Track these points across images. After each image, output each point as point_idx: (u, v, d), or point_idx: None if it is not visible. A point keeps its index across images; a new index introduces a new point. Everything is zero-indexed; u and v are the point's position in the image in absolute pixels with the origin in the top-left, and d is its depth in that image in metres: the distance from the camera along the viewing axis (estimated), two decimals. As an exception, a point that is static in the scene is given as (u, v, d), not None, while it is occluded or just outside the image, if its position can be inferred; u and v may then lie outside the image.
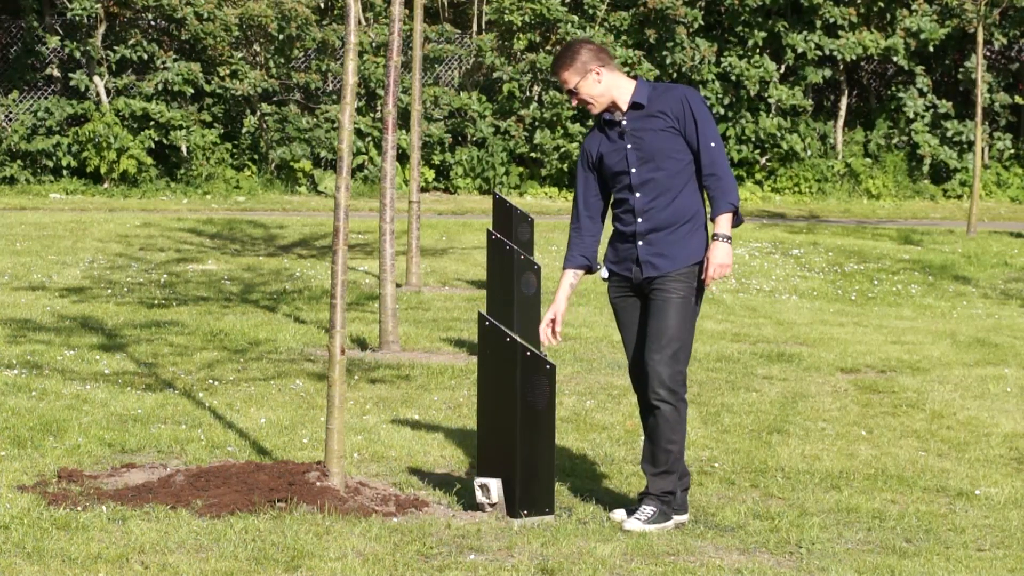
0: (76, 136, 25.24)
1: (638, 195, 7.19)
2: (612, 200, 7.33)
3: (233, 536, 6.68)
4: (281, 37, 25.69)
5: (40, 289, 14.38)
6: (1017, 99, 27.46)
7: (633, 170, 7.20)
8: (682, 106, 7.18)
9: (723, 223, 7.13)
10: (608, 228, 7.37)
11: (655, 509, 7.13)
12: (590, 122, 26.39)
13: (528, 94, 26.79)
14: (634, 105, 7.23)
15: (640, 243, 7.19)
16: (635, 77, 7.39)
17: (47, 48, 26.00)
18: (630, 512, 7.26)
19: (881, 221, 24.17)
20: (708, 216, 7.25)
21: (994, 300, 16.27)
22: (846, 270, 17.99)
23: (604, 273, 7.37)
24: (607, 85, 7.23)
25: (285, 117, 25.99)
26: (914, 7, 26.98)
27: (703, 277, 7.16)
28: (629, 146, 7.22)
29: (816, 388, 10.78)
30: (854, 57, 26.91)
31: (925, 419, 9.87)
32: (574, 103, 7.32)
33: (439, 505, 7.40)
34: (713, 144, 7.16)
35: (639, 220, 7.19)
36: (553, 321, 7.28)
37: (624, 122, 7.24)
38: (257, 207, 23.69)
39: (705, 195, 7.27)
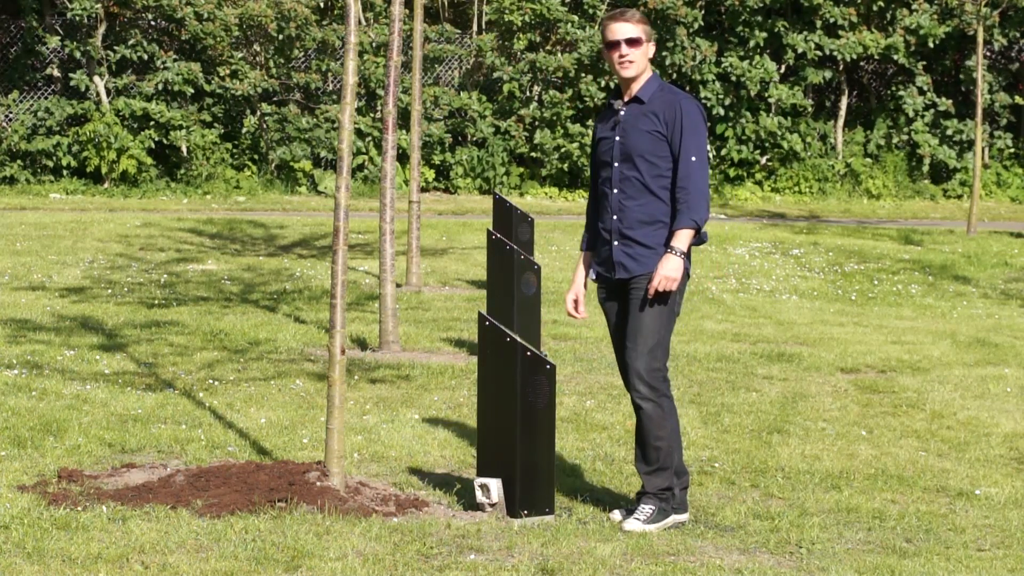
0: (76, 136, 25.24)
1: (615, 191, 7.22)
2: (598, 195, 7.33)
3: (233, 536, 6.68)
4: (281, 37, 25.68)
5: (40, 289, 14.38)
6: (1017, 99, 27.45)
7: (615, 164, 7.23)
8: (675, 113, 7.16)
9: (681, 237, 7.10)
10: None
11: (653, 508, 7.13)
12: (590, 122, 26.39)
13: (528, 94, 26.78)
14: (636, 99, 7.25)
15: (615, 243, 7.22)
16: (654, 71, 7.39)
17: (47, 48, 25.99)
18: (629, 512, 7.26)
19: (881, 221, 24.17)
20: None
21: (994, 300, 16.27)
22: (846, 270, 17.99)
23: (591, 275, 7.41)
24: (647, 60, 7.28)
25: (285, 117, 25.98)
26: (914, 6, 26.98)
27: (648, 286, 7.13)
28: (618, 138, 7.24)
29: (816, 388, 10.78)
30: (854, 57, 26.91)
31: (925, 419, 9.87)
32: (617, 55, 7.21)
33: (439, 505, 7.40)
34: (694, 158, 7.11)
35: (614, 217, 7.22)
36: (576, 301, 7.39)
37: (622, 113, 7.27)
38: (257, 207, 23.69)
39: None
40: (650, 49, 7.28)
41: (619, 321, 7.30)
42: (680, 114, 7.15)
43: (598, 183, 7.33)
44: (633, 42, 7.19)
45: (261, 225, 20.26)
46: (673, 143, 7.15)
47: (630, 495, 7.73)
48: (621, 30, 7.21)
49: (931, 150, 27.11)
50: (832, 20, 26.87)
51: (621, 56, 7.21)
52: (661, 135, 7.16)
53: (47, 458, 8.07)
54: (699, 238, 7.17)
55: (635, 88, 7.25)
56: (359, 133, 25.95)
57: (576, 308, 7.42)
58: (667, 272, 7.08)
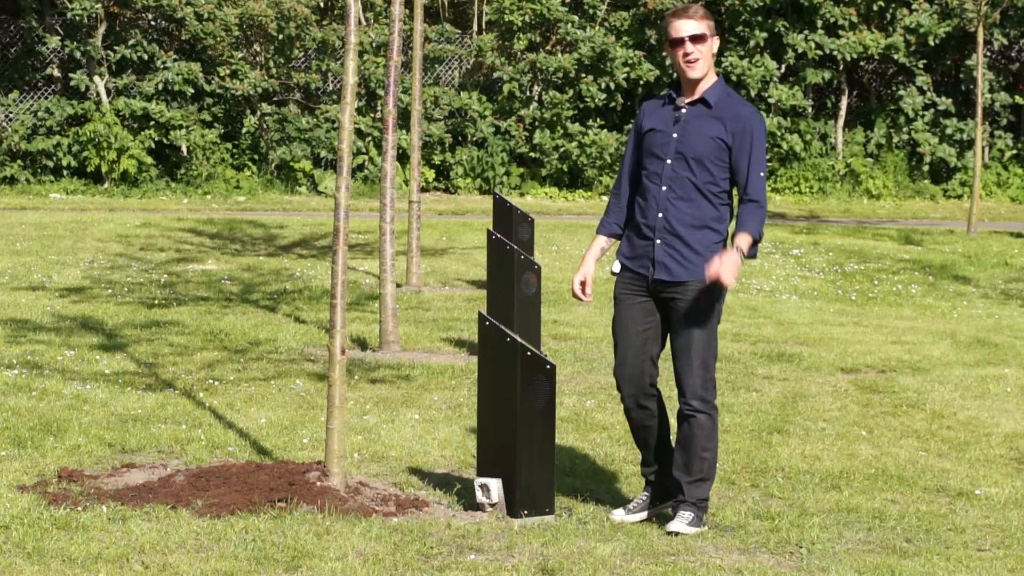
0: (76, 136, 25.24)
1: (664, 188, 7.08)
2: (639, 187, 7.18)
3: (233, 536, 6.68)
4: (281, 37, 25.69)
5: (40, 289, 14.38)
6: (1017, 99, 27.45)
7: (668, 160, 7.07)
8: (744, 126, 7.03)
9: (744, 240, 6.97)
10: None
11: (693, 515, 7.09)
12: (590, 122, 26.39)
13: (528, 94, 26.79)
14: (702, 100, 7.11)
15: (658, 241, 7.09)
16: (718, 74, 7.22)
17: (47, 48, 25.99)
18: (630, 511, 7.26)
19: (881, 221, 24.17)
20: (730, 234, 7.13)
21: (994, 300, 16.27)
22: (846, 270, 17.99)
23: (616, 267, 7.27)
24: (712, 59, 7.13)
25: (285, 117, 25.99)
26: (914, 6, 26.98)
27: (707, 269, 6.98)
28: (675, 135, 7.08)
29: (816, 388, 10.78)
30: (854, 56, 26.91)
31: (925, 419, 9.87)
32: (682, 53, 7.03)
33: (439, 505, 7.40)
34: (762, 174, 7.01)
35: (660, 215, 7.08)
36: (583, 283, 7.22)
37: (684, 111, 7.12)
38: (257, 207, 23.70)
39: (733, 216, 7.14)
40: (715, 45, 7.09)
41: (641, 323, 7.18)
42: (751, 130, 7.02)
43: (641, 175, 7.16)
44: (698, 39, 7.02)
45: (261, 225, 20.26)
46: (738, 155, 7.02)
47: (630, 495, 7.74)
48: (685, 27, 7.02)
49: (931, 149, 27.11)
50: (832, 20, 26.86)
51: (687, 55, 7.04)
52: (724, 144, 7.03)
53: (47, 458, 8.06)
54: (752, 251, 7.05)
55: (701, 89, 7.10)
56: (359, 133, 25.95)
57: (583, 290, 7.23)
58: (728, 267, 6.91)
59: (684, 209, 7.07)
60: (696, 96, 7.11)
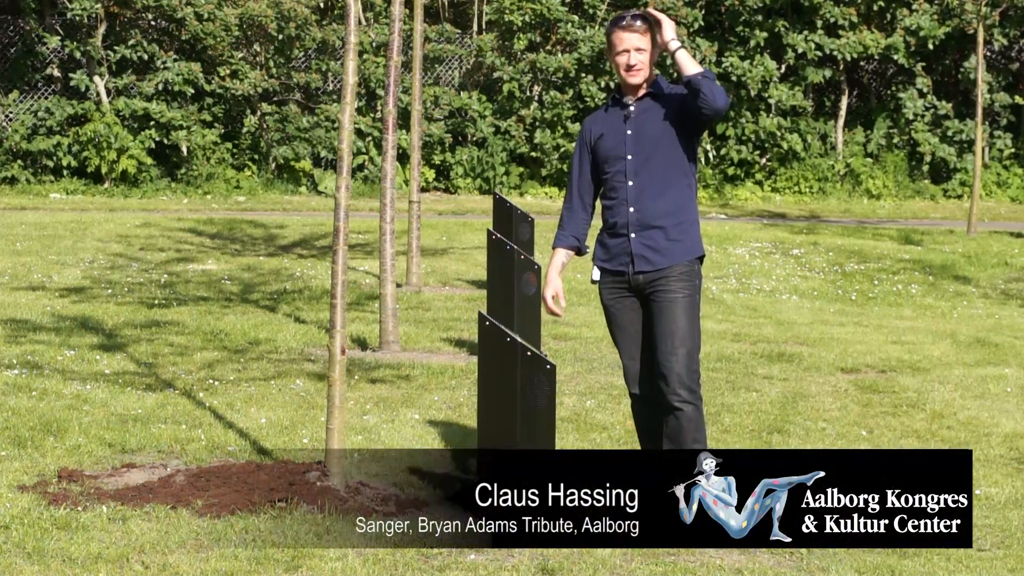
0: (76, 136, 25.24)
1: (631, 183, 7.19)
2: (603, 190, 7.31)
3: (233, 536, 6.68)
4: (281, 37, 25.68)
5: (40, 289, 14.38)
6: (1017, 99, 27.45)
7: (629, 156, 7.21)
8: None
9: (685, 55, 7.13)
10: (594, 227, 7.37)
11: None
12: (590, 122, 26.38)
13: (528, 94, 26.78)
14: (650, 94, 7.27)
15: (632, 235, 7.19)
16: (657, 74, 7.43)
17: (47, 48, 25.99)
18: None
19: (881, 221, 24.17)
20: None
21: (994, 300, 16.26)
22: (846, 270, 17.98)
23: (596, 275, 7.36)
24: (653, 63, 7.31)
25: (285, 117, 25.99)
26: (914, 6, 26.98)
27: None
28: (629, 132, 7.22)
29: (816, 388, 10.77)
30: (854, 56, 26.91)
31: (925, 419, 9.87)
32: (625, 64, 7.26)
33: (439, 505, 7.39)
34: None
35: (631, 210, 7.18)
36: (554, 297, 7.34)
37: (632, 107, 7.25)
38: (257, 207, 23.69)
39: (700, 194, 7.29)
40: (656, 52, 7.30)
41: (638, 322, 7.24)
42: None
43: (604, 181, 7.28)
44: (640, 50, 7.22)
45: (261, 225, 20.26)
46: (687, 108, 7.15)
47: (630, 495, 7.74)
48: (629, 40, 7.23)
49: (931, 148, 27.10)
50: (832, 20, 26.86)
51: (630, 65, 7.24)
52: (679, 117, 7.17)
53: (47, 458, 8.06)
54: (693, 74, 7.08)
55: (646, 87, 7.28)
56: (359, 133, 25.95)
57: (556, 303, 7.36)
58: (668, 26, 7.17)
59: (654, 200, 7.19)
60: (643, 93, 7.28)
